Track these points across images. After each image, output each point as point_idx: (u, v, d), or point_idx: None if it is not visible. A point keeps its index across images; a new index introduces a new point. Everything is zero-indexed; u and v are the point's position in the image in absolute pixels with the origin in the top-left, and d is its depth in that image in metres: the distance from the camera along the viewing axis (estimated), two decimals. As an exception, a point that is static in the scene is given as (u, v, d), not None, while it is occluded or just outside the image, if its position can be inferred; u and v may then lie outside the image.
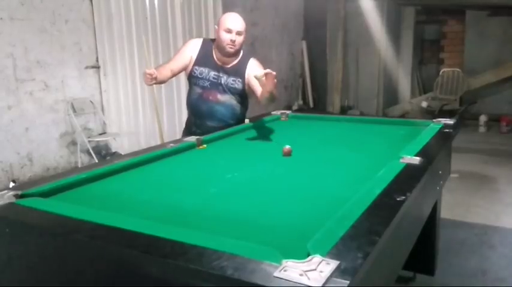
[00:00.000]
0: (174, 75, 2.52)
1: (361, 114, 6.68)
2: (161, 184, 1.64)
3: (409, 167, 1.58)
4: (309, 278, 0.82)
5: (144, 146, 4.50)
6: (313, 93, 7.83)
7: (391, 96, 7.60)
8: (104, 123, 4.62)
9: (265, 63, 2.49)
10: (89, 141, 4.36)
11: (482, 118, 6.61)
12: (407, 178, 1.46)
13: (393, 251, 1.31)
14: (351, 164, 1.86)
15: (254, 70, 2.36)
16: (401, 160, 1.64)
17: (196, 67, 2.49)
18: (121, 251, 1.02)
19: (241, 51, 2.50)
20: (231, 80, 2.49)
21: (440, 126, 2.36)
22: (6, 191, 1.37)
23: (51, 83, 4.10)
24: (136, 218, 1.19)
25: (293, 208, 1.36)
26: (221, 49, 2.42)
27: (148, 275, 0.97)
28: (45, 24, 4.02)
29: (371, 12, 6.88)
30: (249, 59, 2.52)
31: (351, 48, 7.45)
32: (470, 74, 6.90)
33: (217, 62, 2.48)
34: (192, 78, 2.52)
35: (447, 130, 2.30)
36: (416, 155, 1.70)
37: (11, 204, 1.30)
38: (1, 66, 3.73)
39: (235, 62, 2.49)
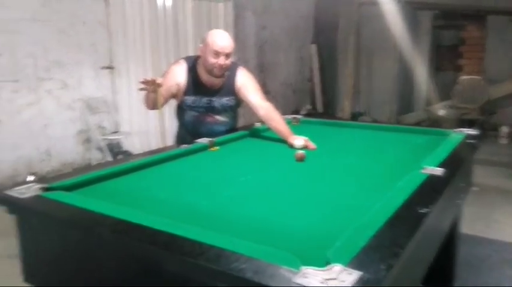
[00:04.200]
0: (166, 102, 2.39)
1: (374, 121, 6.42)
2: (177, 184, 1.66)
3: (431, 178, 1.52)
4: (330, 288, 0.80)
5: (153, 145, 4.57)
6: (323, 97, 7.77)
7: (404, 103, 7.32)
8: (117, 122, 4.71)
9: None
10: (103, 139, 4.46)
11: (504, 129, 6.29)
12: (430, 190, 1.42)
13: (414, 265, 1.28)
14: (368, 172, 1.80)
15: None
16: (422, 171, 1.59)
17: (187, 97, 2.41)
18: (142, 246, 1.05)
19: None
20: (224, 100, 2.44)
21: (462, 136, 2.26)
22: (33, 183, 1.43)
23: (69, 82, 4.21)
24: (155, 215, 1.20)
25: (310, 214, 1.33)
26: (208, 71, 2.32)
27: (167, 272, 1.00)
28: (63, 26, 4.12)
29: (386, 17, 6.54)
30: (236, 71, 2.44)
31: (363, 52, 7.25)
32: (490, 82, 6.52)
33: (206, 85, 2.39)
34: (184, 106, 2.45)
35: (470, 141, 2.22)
36: (438, 166, 1.64)
37: (37, 196, 1.35)
38: (23, 65, 3.86)
39: (224, 79, 2.41)
